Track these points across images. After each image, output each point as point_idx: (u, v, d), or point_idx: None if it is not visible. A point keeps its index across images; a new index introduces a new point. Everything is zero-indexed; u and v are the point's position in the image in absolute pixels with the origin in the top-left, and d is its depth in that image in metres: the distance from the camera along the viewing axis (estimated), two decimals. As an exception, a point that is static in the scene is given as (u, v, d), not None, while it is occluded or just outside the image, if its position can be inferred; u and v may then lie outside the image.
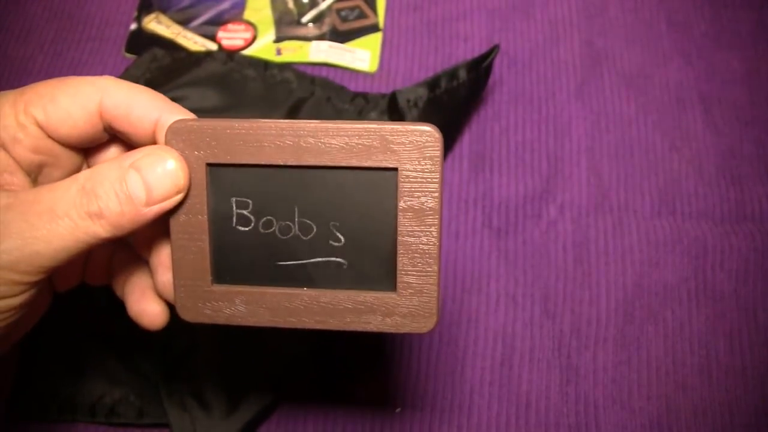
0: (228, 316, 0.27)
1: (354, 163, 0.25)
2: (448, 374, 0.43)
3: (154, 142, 0.27)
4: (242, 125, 0.26)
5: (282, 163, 0.26)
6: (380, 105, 0.49)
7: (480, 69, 0.47)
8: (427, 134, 0.25)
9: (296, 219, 0.26)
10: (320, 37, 0.54)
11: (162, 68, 0.50)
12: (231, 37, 0.54)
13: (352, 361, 0.43)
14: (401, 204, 0.26)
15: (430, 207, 0.26)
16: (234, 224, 0.26)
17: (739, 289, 0.45)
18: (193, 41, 0.54)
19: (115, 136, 0.29)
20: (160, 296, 0.29)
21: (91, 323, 0.42)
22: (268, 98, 0.50)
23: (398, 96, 0.46)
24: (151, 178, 0.25)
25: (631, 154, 0.50)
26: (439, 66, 0.53)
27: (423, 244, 0.26)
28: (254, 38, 0.54)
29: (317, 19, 0.55)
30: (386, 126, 0.25)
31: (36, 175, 0.28)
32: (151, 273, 0.29)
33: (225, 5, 0.56)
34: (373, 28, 0.55)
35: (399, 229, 0.26)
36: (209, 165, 0.26)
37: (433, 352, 0.43)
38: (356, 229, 0.26)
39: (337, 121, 0.26)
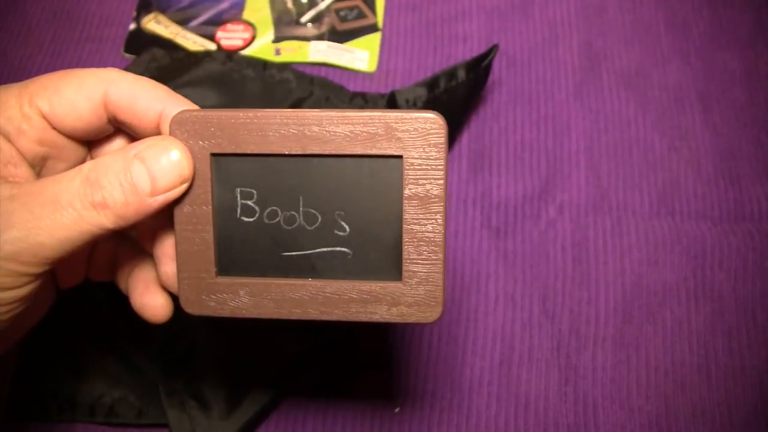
0: (232, 308, 0.27)
1: (359, 151, 0.25)
2: (448, 374, 0.43)
3: (158, 133, 0.27)
4: (246, 115, 0.25)
5: (287, 152, 0.26)
6: (379, 105, 0.49)
7: (479, 69, 0.47)
8: (431, 121, 0.25)
9: (301, 209, 0.26)
10: (319, 37, 0.54)
11: (161, 68, 0.50)
12: (230, 37, 0.54)
13: (352, 361, 0.43)
14: (406, 191, 0.25)
15: (435, 194, 0.25)
16: (238, 215, 0.26)
17: (738, 289, 0.45)
18: (192, 41, 0.54)
19: (119, 129, 0.29)
20: (164, 287, 0.29)
21: (91, 323, 0.42)
22: (267, 98, 0.50)
23: (397, 96, 0.46)
24: (155, 169, 0.25)
25: (630, 154, 0.50)
26: (438, 66, 0.53)
27: (428, 232, 0.26)
28: (253, 38, 0.54)
29: (316, 19, 0.55)
30: (391, 114, 0.25)
31: (40, 167, 0.28)
32: (155, 264, 0.29)
33: (224, 5, 0.56)
34: (372, 28, 0.55)
35: (404, 217, 0.26)
36: (213, 155, 0.26)
37: (432, 352, 0.43)
38: (361, 218, 0.26)
39: (341, 109, 0.26)
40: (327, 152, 0.25)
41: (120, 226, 0.25)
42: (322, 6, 0.56)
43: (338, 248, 0.26)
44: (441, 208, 0.26)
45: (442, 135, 0.25)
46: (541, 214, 0.47)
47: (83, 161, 0.29)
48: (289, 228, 0.26)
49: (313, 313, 0.27)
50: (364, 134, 0.25)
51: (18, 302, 0.25)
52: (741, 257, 0.46)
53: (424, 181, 0.25)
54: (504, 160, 0.49)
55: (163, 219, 0.28)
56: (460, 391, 0.42)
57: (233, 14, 0.55)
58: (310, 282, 0.26)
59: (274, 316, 0.27)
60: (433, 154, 0.25)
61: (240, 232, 0.26)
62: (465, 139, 0.50)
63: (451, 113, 0.48)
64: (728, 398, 0.42)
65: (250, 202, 0.26)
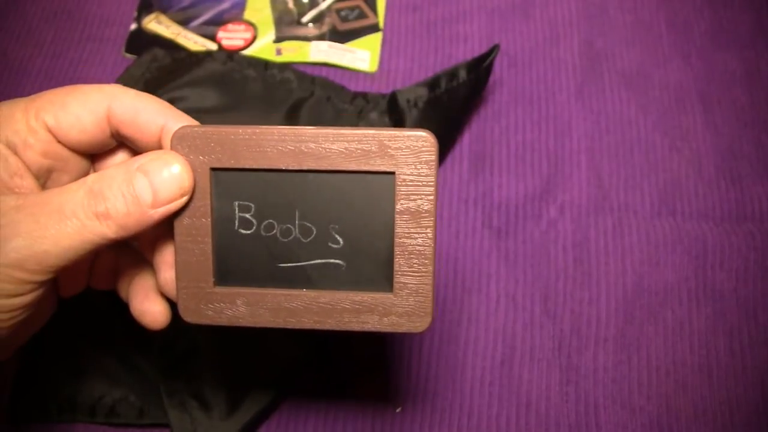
0: (229, 317, 0.28)
1: (353, 167, 0.26)
2: (449, 374, 0.43)
3: (159, 147, 0.28)
4: (245, 131, 0.26)
5: (284, 168, 0.27)
6: (380, 105, 0.49)
7: (480, 69, 0.47)
8: (423, 139, 0.26)
9: (297, 222, 0.27)
10: (320, 37, 0.54)
11: (162, 68, 0.50)
12: (231, 37, 0.54)
13: (353, 362, 0.43)
14: (398, 206, 0.27)
15: (426, 209, 0.27)
16: (236, 227, 0.27)
17: (739, 289, 0.45)
18: (193, 41, 0.54)
19: (121, 143, 0.30)
20: (163, 294, 0.30)
21: (91, 323, 0.42)
22: (268, 98, 0.50)
23: (398, 96, 0.46)
24: (157, 181, 0.26)
25: (631, 154, 0.50)
26: (439, 66, 0.53)
27: (419, 245, 0.27)
28: (254, 38, 0.54)
29: (317, 19, 0.55)
30: (384, 132, 0.26)
31: (45, 179, 0.28)
32: (155, 272, 0.30)
33: (225, 5, 0.56)
34: (373, 28, 0.55)
35: (396, 231, 0.27)
36: (213, 169, 0.27)
37: (433, 352, 0.43)
38: (355, 231, 0.27)
39: (336, 127, 0.26)
40: (322, 168, 0.26)
41: (122, 236, 0.26)
42: (323, 6, 0.56)
43: (332, 260, 0.27)
44: (431, 223, 0.27)
45: (433, 153, 0.26)
46: (542, 215, 0.47)
47: (87, 174, 0.30)
48: (285, 240, 0.27)
49: (307, 323, 0.28)
50: (359, 151, 0.26)
51: (21, 309, 0.26)
52: (742, 257, 0.46)
53: (416, 197, 0.26)
54: (505, 161, 0.49)
55: (163, 229, 0.28)
56: (462, 391, 0.42)
57: (234, 14, 0.55)
58: (304, 292, 0.27)
59: (270, 325, 0.28)
60: (425, 170, 0.26)
61: (238, 243, 0.27)
62: (466, 139, 0.50)
63: (452, 113, 0.48)
64: (730, 398, 0.42)
65: (247, 215, 0.27)
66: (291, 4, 0.56)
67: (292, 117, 0.49)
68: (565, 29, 0.55)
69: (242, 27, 0.54)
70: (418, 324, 0.27)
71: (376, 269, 0.27)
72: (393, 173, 0.26)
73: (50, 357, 0.41)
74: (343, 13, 0.55)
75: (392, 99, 0.46)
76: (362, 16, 0.55)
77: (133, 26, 0.55)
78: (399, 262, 0.27)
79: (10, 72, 0.53)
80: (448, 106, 0.47)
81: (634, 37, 0.54)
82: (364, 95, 0.51)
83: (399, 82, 0.52)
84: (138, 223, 0.26)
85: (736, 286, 0.45)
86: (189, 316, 0.28)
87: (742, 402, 0.42)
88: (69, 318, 0.42)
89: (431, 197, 0.26)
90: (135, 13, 0.55)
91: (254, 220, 0.27)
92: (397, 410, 0.42)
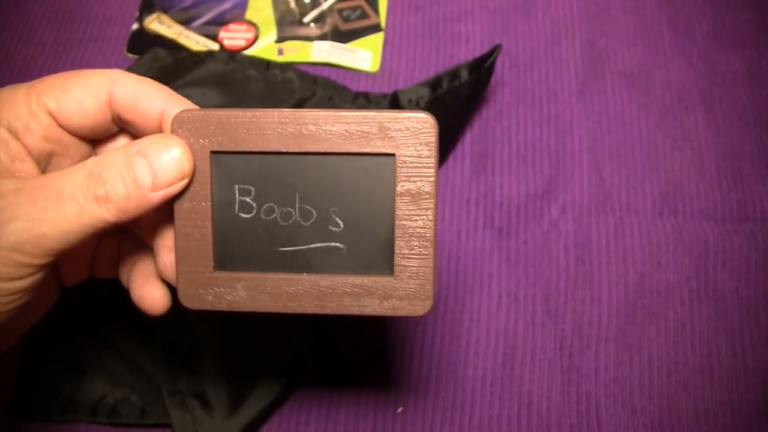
0: (229, 302, 0.27)
1: (353, 149, 0.26)
2: (450, 374, 0.43)
3: (160, 131, 0.28)
4: (245, 114, 0.26)
5: (284, 150, 0.26)
6: (382, 105, 0.49)
7: (482, 69, 0.47)
8: (423, 120, 0.26)
9: (297, 205, 0.27)
10: (322, 37, 0.54)
11: (164, 68, 0.50)
12: (233, 37, 0.54)
13: (353, 361, 0.43)
14: (399, 188, 0.26)
15: (426, 191, 0.26)
16: (236, 211, 0.27)
17: (741, 289, 0.45)
18: (194, 41, 0.54)
19: (122, 128, 0.29)
20: (162, 278, 0.30)
21: (93, 324, 0.42)
22: (270, 98, 0.50)
23: (400, 96, 0.46)
24: (157, 164, 0.25)
25: (633, 154, 0.50)
26: (441, 66, 0.53)
27: (419, 227, 0.27)
28: (256, 38, 0.54)
29: (319, 19, 0.55)
30: (384, 113, 0.26)
31: (45, 164, 0.28)
32: (154, 256, 0.29)
33: (227, 5, 0.56)
34: (375, 28, 0.55)
35: (396, 213, 0.27)
36: (213, 153, 0.27)
37: (434, 352, 0.43)
38: (355, 214, 0.27)
39: (336, 109, 0.26)
40: (323, 150, 0.26)
41: (121, 220, 0.26)
42: (324, 6, 0.56)
43: (333, 243, 0.27)
44: (432, 204, 0.26)
45: (433, 134, 0.26)
46: (543, 215, 0.47)
47: (87, 158, 0.30)
48: (286, 224, 0.27)
49: (308, 307, 0.27)
50: (359, 133, 0.26)
51: (20, 293, 0.26)
52: (744, 257, 0.46)
53: (416, 178, 0.26)
54: (507, 161, 0.49)
55: (163, 213, 0.28)
56: (463, 391, 0.42)
57: (236, 14, 0.55)
58: (305, 276, 0.27)
59: (270, 310, 0.27)
60: (425, 152, 0.26)
61: (238, 227, 0.27)
62: (468, 139, 0.50)
63: (454, 113, 0.48)
64: (731, 398, 0.42)
65: (248, 199, 0.27)
66: (293, 4, 0.56)
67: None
68: (567, 29, 0.55)
69: (244, 27, 0.54)
70: (419, 307, 0.27)
71: (376, 252, 0.27)
72: (393, 155, 0.26)
73: (52, 357, 0.41)
74: (344, 13, 0.55)
75: (394, 99, 0.46)
76: (364, 16, 0.55)
77: (135, 26, 0.55)
78: (399, 244, 0.27)
79: (12, 72, 0.53)
80: (450, 106, 0.47)
81: (636, 37, 0.54)
82: (365, 95, 0.51)
83: (401, 82, 0.52)
84: (137, 207, 0.25)
85: (737, 286, 0.45)
86: (188, 302, 0.28)
87: (743, 402, 0.42)
88: (71, 318, 0.42)
89: (432, 178, 0.26)
90: (137, 13, 0.55)
91: (254, 204, 0.27)
92: (399, 410, 0.42)
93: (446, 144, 0.49)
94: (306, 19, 0.55)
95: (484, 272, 0.45)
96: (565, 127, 0.51)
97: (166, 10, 0.55)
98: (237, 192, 0.27)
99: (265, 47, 0.54)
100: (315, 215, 0.27)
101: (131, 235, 0.32)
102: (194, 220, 0.27)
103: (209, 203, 0.27)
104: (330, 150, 0.26)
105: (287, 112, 0.26)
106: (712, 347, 0.43)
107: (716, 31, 0.55)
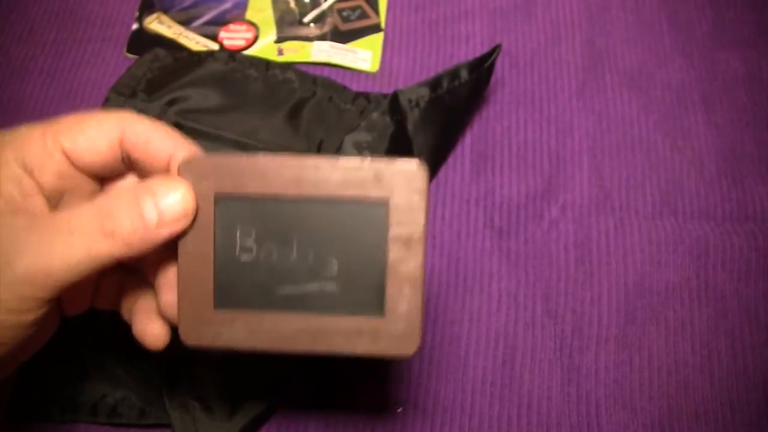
0: (227, 341, 0.28)
1: (350, 194, 0.28)
2: (450, 374, 0.43)
3: (167, 172, 0.29)
4: (248, 159, 0.28)
5: (284, 194, 0.28)
6: (382, 105, 0.49)
7: (482, 69, 0.47)
8: (415, 169, 0.28)
9: (295, 247, 0.28)
10: (322, 38, 0.54)
11: (164, 68, 0.50)
12: (232, 37, 0.54)
13: (353, 361, 0.43)
14: (391, 233, 0.28)
15: (416, 236, 0.28)
16: (237, 252, 0.28)
17: (741, 289, 0.45)
18: (194, 41, 0.54)
19: (130, 168, 0.31)
20: (163, 317, 0.30)
21: (93, 324, 0.42)
22: (270, 98, 0.50)
23: (400, 96, 0.46)
24: (162, 203, 0.27)
25: (633, 154, 0.50)
26: (441, 66, 0.53)
27: (410, 271, 0.28)
28: (256, 38, 0.54)
29: (319, 19, 0.55)
30: (379, 162, 0.28)
31: (57, 201, 0.29)
32: (156, 294, 0.30)
33: (227, 5, 0.56)
34: (375, 29, 0.55)
35: (388, 257, 0.28)
36: (217, 195, 0.28)
37: (434, 352, 0.43)
38: (349, 257, 0.28)
39: (334, 156, 0.28)
40: (321, 195, 0.28)
41: (127, 255, 0.27)
42: (324, 6, 0.56)
43: (327, 285, 0.28)
44: (421, 249, 0.28)
45: (424, 182, 0.28)
46: (543, 215, 0.47)
47: (96, 195, 0.31)
48: (284, 265, 0.28)
49: (302, 345, 0.28)
50: (355, 179, 0.28)
51: (26, 327, 0.26)
52: (744, 257, 0.46)
53: (407, 224, 0.28)
54: (507, 161, 0.49)
55: (166, 253, 0.29)
56: (463, 391, 0.42)
57: (236, 14, 0.55)
58: (300, 316, 0.28)
59: (266, 349, 0.29)
60: (416, 199, 0.27)
61: (238, 267, 0.28)
62: (468, 139, 0.50)
63: (454, 113, 0.48)
64: (731, 399, 0.42)
65: (248, 240, 0.28)
66: (293, 4, 0.56)
67: (293, 117, 0.49)
68: (567, 29, 0.55)
69: (244, 27, 0.54)
70: (407, 348, 0.28)
71: (368, 294, 0.28)
72: (387, 201, 0.28)
73: (52, 357, 0.41)
74: (344, 13, 0.55)
75: (394, 99, 0.46)
76: (364, 16, 0.55)
77: (135, 26, 0.55)
78: (390, 287, 0.28)
79: (12, 72, 0.53)
80: (450, 106, 0.47)
81: (636, 37, 0.54)
82: (365, 95, 0.51)
83: (401, 82, 0.52)
84: (143, 243, 0.27)
85: (737, 286, 0.45)
86: (189, 339, 0.29)
87: (743, 402, 0.42)
88: (70, 318, 0.42)
89: (422, 224, 0.27)
90: (137, 13, 0.55)
91: (254, 245, 0.28)
92: (398, 410, 0.42)
93: (446, 144, 0.49)
94: (306, 19, 0.55)
95: (484, 272, 0.45)
96: (565, 127, 0.51)
97: (166, 10, 0.55)
98: (238, 233, 0.28)
99: (265, 47, 0.54)
100: (312, 257, 0.28)
101: (134, 272, 0.32)
102: (196, 259, 0.28)
103: (211, 243, 0.28)
104: (328, 195, 0.28)
105: (287, 158, 0.28)
106: (712, 347, 0.43)
107: (716, 31, 0.55)
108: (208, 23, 0.55)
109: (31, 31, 0.55)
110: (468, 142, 0.50)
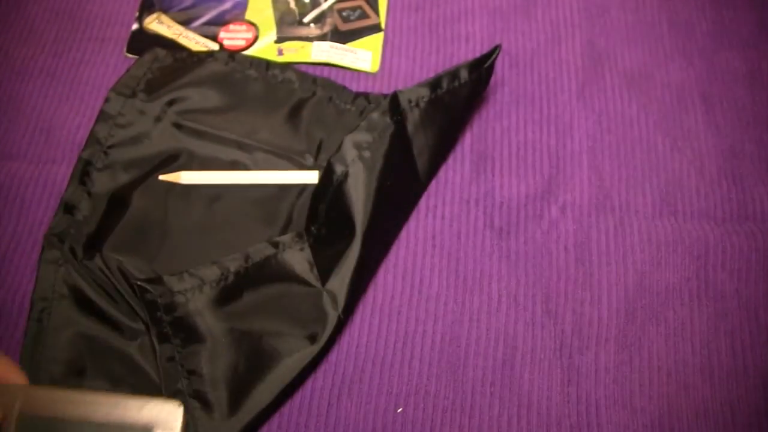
0: None
1: (117, 419, 0.34)
2: (450, 374, 0.43)
3: None
4: (47, 390, 0.36)
5: (69, 416, 0.34)
6: (382, 105, 0.49)
7: (482, 69, 0.47)
8: (173, 408, 0.34)
9: None
10: (322, 38, 0.54)
11: (164, 68, 0.50)
12: (232, 37, 0.54)
13: (353, 361, 0.43)
14: None
15: None
16: None
17: (741, 289, 0.45)
18: (194, 41, 0.54)
19: None
20: None
21: (93, 324, 0.42)
22: (270, 98, 0.50)
23: (400, 96, 0.46)
24: None
25: (633, 154, 0.50)
26: (441, 66, 0.53)
27: None
28: (256, 38, 0.54)
29: (319, 20, 0.55)
30: (145, 399, 0.34)
31: None
32: None
33: (226, 5, 0.56)
34: (375, 29, 0.55)
35: None
36: (20, 413, 0.34)
37: (434, 352, 0.43)
38: None
39: (112, 394, 0.35)
40: (98, 418, 0.34)
41: None
42: (324, 6, 0.56)
43: None
44: None
45: (179, 418, 0.34)
46: (543, 215, 0.47)
47: None
48: None
49: None
50: (123, 406, 0.34)
51: None
52: (744, 257, 0.46)
53: None
54: (507, 161, 0.49)
55: None
56: (463, 391, 0.42)
57: (236, 14, 0.55)
58: None
59: None
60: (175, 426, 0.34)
61: None
62: (468, 139, 0.50)
63: (454, 113, 0.48)
64: (731, 399, 0.42)
65: None
66: (292, 5, 0.56)
67: (293, 117, 0.49)
68: (567, 29, 0.55)
69: (244, 27, 0.54)
70: None
71: None
72: (151, 429, 0.34)
73: (51, 357, 0.41)
74: (344, 14, 0.55)
75: (394, 99, 0.46)
76: (364, 16, 0.55)
77: (135, 26, 0.55)
78: None
79: (12, 72, 0.53)
80: (450, 106, 0.47)
81: (636, 37, 0.54)
82: (365, 95, 0.51)
83: (400, 82, 0.52)
84: None
85: (737, 286, 0.45)
86: None
87: (743, 403, 0.42)
88: (70, 318, 0.42)
89: None
90: (136, 13, 0.55)
91: None
92: (399, 410, 0.42)
93: (446, 144, 0.49)
94: (306, 20, 0.55)
95: (484, 272, 0.45)
96: (565, 127, 0.51)
97: (166, 11, 0.55)
98: None
99: (265, 47, 0.54)
100: None
101: None
102: None
103: None
104: (101, 419, 0.34)
105: (77, 392, 0.35)
106: (712, 347, 0.43)
107: (716, 31, 0.55)
108: (208, 23, 0.55)
109: (31, 31, 0.55)
110: (468, 142, 0.50)
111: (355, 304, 0.44)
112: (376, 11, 0.56)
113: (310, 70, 0.52)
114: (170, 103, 0.48)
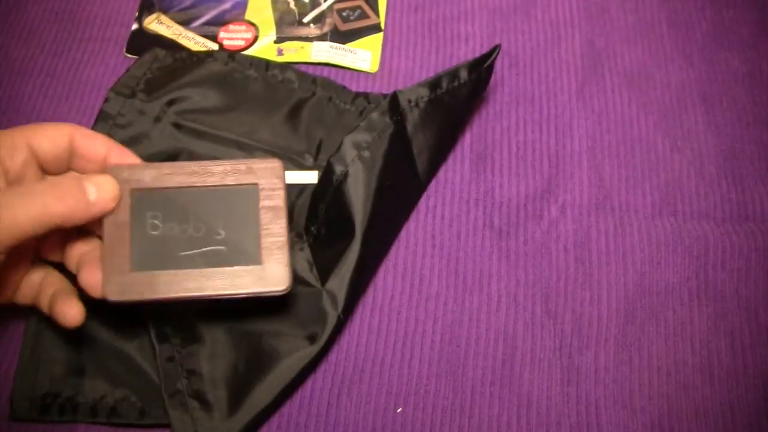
0: (140, 293, 0.35)
1: (230, 182, 0.37)
2: (450, 374, 0.43)
3: (101, 170, 0.38)
4: (156, 166, 0.37)
5: (182, 186, 0.37)
6: (381, 105, 0.49)
7: (481, 69, 0.47)
8: (274, 163, 0.38)
9: (191, 223, 0.37)
10: (321, 38, 0.54)
11: (163, 68, 0.50)
12: (232, 37, 0.54)
13: (353, 361, 0.43)
14: (261, 204, 0.37)
15: (279, 206, 0.37)
16: (148, 229, 0.36)
17: (741, 289, 0.45)
18: (194, 42, 0.54)
19: (71, 168, 0.39)
20: (80, 294, 0.37)
21: (92, 324, 0.42)
22: (270, 98, 0.50)
23: (399, 96, 0.46)
24: (99, 188, 0.36)
25: (633, 154, 0.50)
26: (441, 66, 0.53)
27: (277, 229, 0.37)
28: (255, 38, 0.54)
29: (318, 20, 0.55)
30: (249, 160, 0.38)
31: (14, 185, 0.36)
32: (77, 275, 0.37)
33: (226, 6, 0.56)
34: (375, 29, 0.55)
35: (261, 221, 0.37)
36: (132, 189, 0.37)
37: (434, 352, 0.43)
38: (232, 225, 0.37)
39: (217, 160, 0.38)
40: (209, 184, 0.37)
41: (68, 223, 0.34)
42: (324, 6, 0.56)
43: (217, 247, 0.37)
44: (283, 215, 0.37)
45: (281, 171, 0.38)
46: (543, 215, 0.47)
47: None
48: (184, 236, 0.37)
49: (203, 292, 0.36)
50: (234, 171, 0.38)
51: None
52: (744, 257, 0.46)
53: (272, 199, 0.37)
54: (506, 161, 0.49)
55: (87, 247, 0.38)
56: (463, 391, 0.42)
57: (235, 15, 0.55)
58: (199, 270, 0.36)
59: (173, 298, 0.36)
60: (277, 182, 0.38)
61: (148, 239, 0.36)
62: (467, 139, 0.50)
63: (454, 113, 0.48)
64: (731, 399, 0.42)
65: (156, 221, 0.37)
66: (292, 5, 0.56)
67: (293, 117, 0.49)
68: (567, 29, 0.55)
69: (243, 27, 0.54)
70: (281, 287, 0.36)
71: (248, 250, 0.37)
72: (256, 184, 0.37)
73: (51, 357, 0.41)
74: (344, 14, 0.55)
75: (393, 99, 0.46)
76: (363, 16, 0.55)
77: (135, 26, 0.55)
78: (264, 243, 0.37)
79: (12, 71, 0.53)
80: (450, 106, 0.47)
81: (636, 37, 0.54)
82: (365, 95, 0.51)
83: (400, 82, 0.52)
84: (83, 214, 0.35)
85: (737, 286, 0.45)
86: (112, 295, 0.35)
87: (743, 403, 0.42)
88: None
89: (282, 198, 0.37)
90: (136, 13, 0.55)
91: (160, 224, 0.37)
92: (399, 410, 0.42)
93: (446, 144, 0.49)
94: (305, 20, 0.55)
95: (484, 272, 0.45)
96: (564, 127, 0.51)
97: (165, 11, 0.55)
98: (148, 215, 0.37)
99: (265, 47, 0.54)
100: (204, 229, 0.37)
101: (53, 269, 0.39)
102: (117, 234, 0.36)
103: (128, 222, 0.36)
104: (214, 183, 0.37)
105: (184, 164, 0.38)
106: (712, 348, 0.43)
107: (716, 31, 0.55)
108: (208, 23, 0.55)
109: (30, 31, 0.55)
110: (468, 142, 0.50)
111: (355, 304, 0.44)
112: (376, 11, 0.56)
113: (310, 70, 0.52)
114: (170, 103, 0.48)
